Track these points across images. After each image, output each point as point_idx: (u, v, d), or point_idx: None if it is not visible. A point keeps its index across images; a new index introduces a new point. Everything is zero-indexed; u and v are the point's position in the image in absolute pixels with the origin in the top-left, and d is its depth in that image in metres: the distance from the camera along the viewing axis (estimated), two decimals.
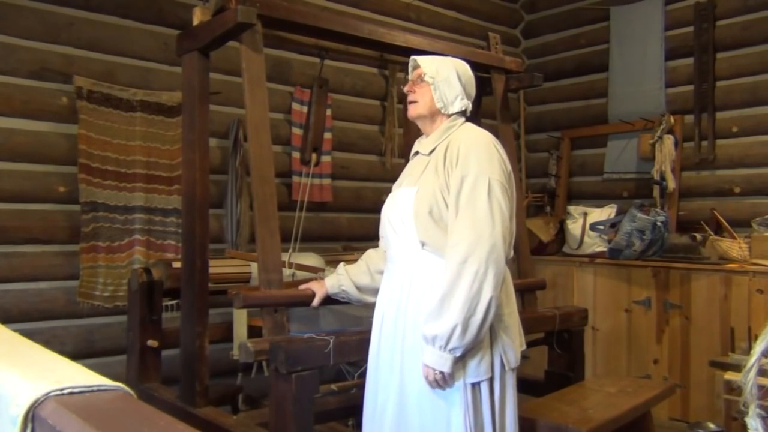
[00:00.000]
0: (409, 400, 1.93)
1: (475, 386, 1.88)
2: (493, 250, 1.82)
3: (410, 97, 2.12)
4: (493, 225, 1.84)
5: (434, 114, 2.09)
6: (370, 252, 2.30)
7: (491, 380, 1.91)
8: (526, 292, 3.02)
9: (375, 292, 2.22)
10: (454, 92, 2.08)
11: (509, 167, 2.03)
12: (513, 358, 1.97)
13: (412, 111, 2.12)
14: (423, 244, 1.94)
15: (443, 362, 1.79)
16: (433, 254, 1.93)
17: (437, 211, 1.93)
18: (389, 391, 1.98)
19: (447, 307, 1.79)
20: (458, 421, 1.86)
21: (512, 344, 1.98)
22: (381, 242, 2.26)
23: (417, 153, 2.16)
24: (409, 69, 2.18)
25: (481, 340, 1.87)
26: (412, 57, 2.16)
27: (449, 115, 2.09)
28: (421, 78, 2.09)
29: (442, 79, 2.07)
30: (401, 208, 2.00)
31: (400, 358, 1.96)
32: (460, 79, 2.10)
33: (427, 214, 1.93)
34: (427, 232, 1.93)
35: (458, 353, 1.80)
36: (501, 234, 1.85)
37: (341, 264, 2.34)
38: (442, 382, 1.83)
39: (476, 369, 1.87)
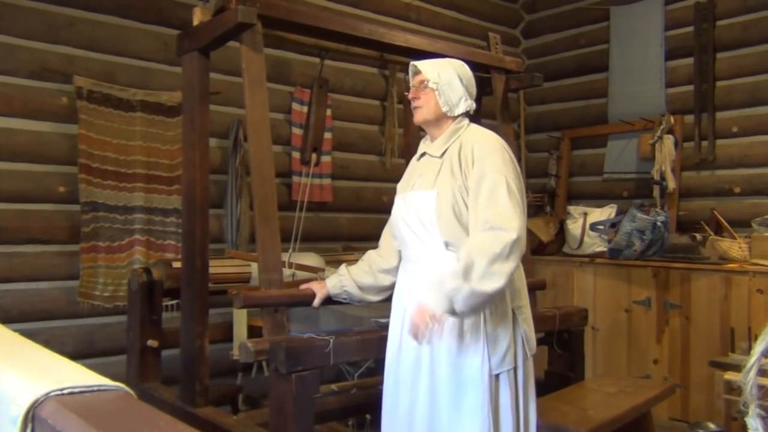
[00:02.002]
0: (440, 396, 2.00)
1: (499, 376, 1.98)
2: (516, 243, 1.87)
3: (415, 103, 2.15)
4: (515, 220, 1.90)
5: (440, 118, 2.13)
6: (370, 253, 2.34)
7: (514, 370, 2.02)
8: (527, 291, 3.02)
9: (378, 290, 2.28)
10: (458, 94, 2.13)
11: (518, 168, 2.11)
12: (533, 345, 2.10)
13: (419, 116, 2.16)
14: (447, 245, 2.02)
15: (442, 305, 1.81)
16: (456, 254, 1.99)
17: (459, 212, 2.00)
18: (418, 390, 2.04)
19: (468, 270, 1.81)
20: (483, 412, 1.94)
21: (531, 332, 2.10)
22: (383, 243, 2.31)
23: (424, 154, 2.20)
24: (410, 74, 2.22)
25: (505, 331, 1.99)
26: (412, 63, 2.20)
27: (454, 117, 2.14)
28: (423, 83, 2.13)
29: (445, 83, 2.11)
30: (419, 211, 2.05)
31: (429, 356, 2.01)
32: (461, 81, 2.14)
33: (450, 216, 2.00)
34: (451, 234, 2.00)
35: (455, 308, 1.82)
36: (520, 231, 1.89)
37: (343, 265, 2.36)
38: (431, 320, 1.82)
39: (502, 360, 1.98)
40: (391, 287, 2.25)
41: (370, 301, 2.31)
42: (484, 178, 1.96)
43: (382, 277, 2.26)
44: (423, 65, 2.15)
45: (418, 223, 2.07)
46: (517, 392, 2.03)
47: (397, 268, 2.24)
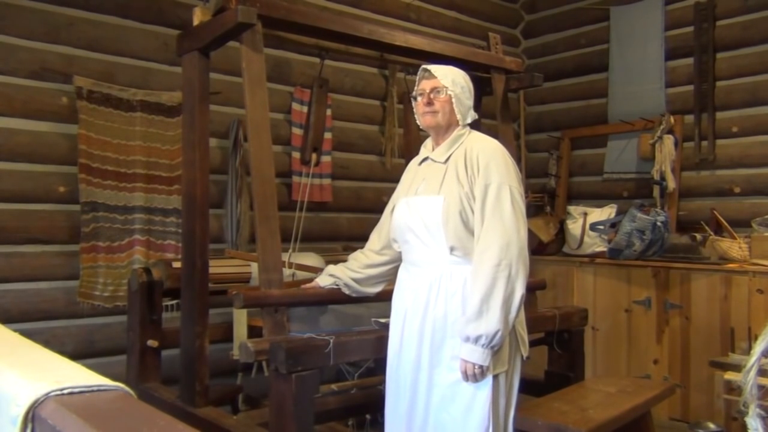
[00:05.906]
0: (438, 394, 2.07)
1: (497, 377, 2.04)
2: (521, 252, 2.01)
3: (430, 108, 2.17)
4: (518, 230, 2.02)
5: (451, 124, 2.19)
6: (356, 254, 2.43)
7: (507, 371, 2.08)
8: (526, 292, 3.03)
9: (366, 281, 2.36)
10: (468, 105, 2.21)
11: (519, 171, 2.18)
12: (527, 349, 2.20)
13: (431, 121, 2.18)
14: (452, 249, 2.08)
15: (485, 357, 1.96)
16: (461, 258, 2.07)
17: (465, 218, 2.07)
18: (418, 387, 2.10)
19: (487, 308, 1.95)
20: (484, 410, 2.02)
21: (525, 336, 2.19)
22: (368, 242, 2.41)
23: (426, 159, 2.24)
24: (419, 77, 2.23)
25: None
26: (424, 66, 2.22)
27: (459, 125, 2.20)
28: (438, 89, 2.16)
29: (459, 90, 2.17)
30: (425, 216, 2.11)
31: (429, 355, 2.09)
32: (470, 92, 2.21)
33: (457, 221, 2.06)
34: (457, 239, 2.07)
35: (497, 348, 1.98)
36: (525, 237, 2.05)
37: (328, 266, 2.46)
38: (480, 375, 1.97)
39: (500, 362, 2.04)
40: (382, 276, 2.35)
41: (360, 292, 2.37)
42: (489, 186, 2.05)
43: (368, 272, 2.35)
44: (437, 70, 2.19)
45: (423, 228, 2.11)
46: (508, 392, 2.11)
47: (383, 263, 2.34)
